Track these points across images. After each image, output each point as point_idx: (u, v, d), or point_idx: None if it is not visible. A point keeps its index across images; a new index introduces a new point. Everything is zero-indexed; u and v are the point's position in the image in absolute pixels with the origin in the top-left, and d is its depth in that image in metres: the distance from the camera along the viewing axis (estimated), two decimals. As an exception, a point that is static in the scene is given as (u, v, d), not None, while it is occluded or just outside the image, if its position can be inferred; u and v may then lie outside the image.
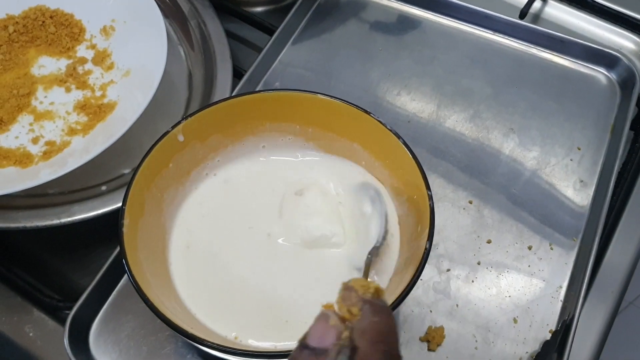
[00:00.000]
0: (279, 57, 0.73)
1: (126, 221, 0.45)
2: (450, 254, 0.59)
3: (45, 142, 0.61)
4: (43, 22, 0.69)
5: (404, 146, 0.49)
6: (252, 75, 0.68)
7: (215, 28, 0.72)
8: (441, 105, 0.70)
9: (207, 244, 0.51)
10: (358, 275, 0.49)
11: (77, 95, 0.66)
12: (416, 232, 0.47)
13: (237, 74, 0.69)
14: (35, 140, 0.61)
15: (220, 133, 0.53)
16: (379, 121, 0.50)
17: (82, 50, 0.69)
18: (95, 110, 0.63)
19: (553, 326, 0.55)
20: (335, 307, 0.31)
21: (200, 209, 0.53)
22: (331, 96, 0.51)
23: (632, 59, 0.73)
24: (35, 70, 0.67)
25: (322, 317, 0.30)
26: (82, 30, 0.70)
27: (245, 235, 0.52)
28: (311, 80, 0.71)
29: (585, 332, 0.55)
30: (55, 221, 0.57)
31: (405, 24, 0.77)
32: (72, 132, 0.62)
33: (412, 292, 0.42)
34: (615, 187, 0.63)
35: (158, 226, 0.50)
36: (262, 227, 0.52)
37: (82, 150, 0.59)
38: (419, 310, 0.56)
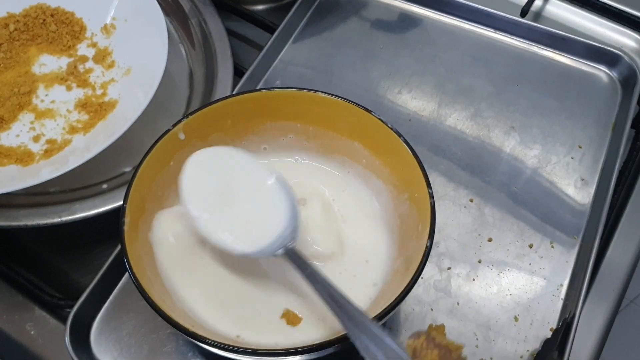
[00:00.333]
0: (279, 56, 0.73)
1: (127, 219, 0.45)
2: (451, 252, 0.59)
3: (46, 141, 0.61)
4: (44, 20, 0.69)
5: (404, 144, 0.49)
6: (253, 73, 0.68)
7: (216, 26, 0.72)
8: (442, 103, 0.70)
9: (198, 240, 0.51)
10: (355, 280, 0.50)
11: (78, 93, 0.66)
12: (417, 231, 0.47)
13: (238, 72, 0.69)
14: (36, 139, 0.61)
15: (221, 131, 0.53)
16: (379, 119, 0.50)
17: (83, 49, 0.69)
18: (96, 109, 0.63)
19: (554, 324, 0.55)
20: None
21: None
22: (332, 94, 0.51)
23: (634, 57, 0.73)
24: (36, 69, 0.67)
25: None
26: (82, 28, 0.70)
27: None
28: (312, 79, 0.71)
29: (586, 330, 0.55)
30: (57, 219, 0.57)
31: (406, 22, 0.77)
32: (73, 130, 0.62)
33: (413, 290, 0.42)
34: (617, 185, 0.63)
35: (158, 222, 0.50)
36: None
37: (83, 149, 0.59)
38: (420, 308, 0.56)
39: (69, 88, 0.66)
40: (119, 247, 0.54)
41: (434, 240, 0.44)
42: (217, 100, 0.52)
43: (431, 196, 0.46)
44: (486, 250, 0.59)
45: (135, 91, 0.63)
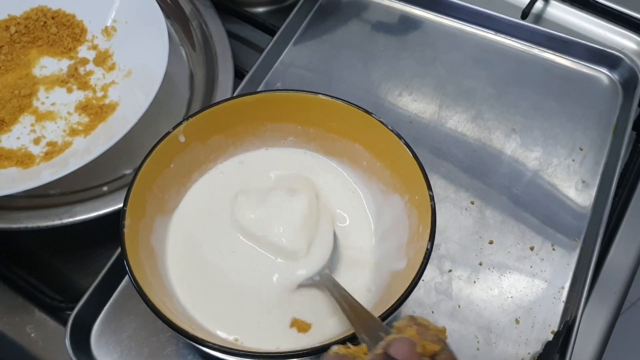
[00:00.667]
0: (280, 58, 0.73)
1: (127, 222, 0.45)
2: (452, 254, 0.59)
3: (46, 143, 0.61)
4: (44, 22, 0.69)
5: (405, 147, 0.49)
6: (253, 75, 0.68)
7: (216, 28, 0.72)
8: (443, 105, 0.70)
9: (207, 245, 0.51)
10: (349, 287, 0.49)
11: (78, 95, 0.66)
12: (418, 233, 0.47)
13: (239, 75, 0.69)
14: (36, 141, 0.61)
15: (222, 134, 0.53)
16: (380, 122, 0.50)
17: (83, 51, 0.69)
18: (96, 111, 0.63)
19: (555, 327, 0.55)
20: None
21: (200, 211, 0.53)
22: (333, 97, 0.51)
23: (635, 59, 0.73)
24: (37, 71, 0.67)
25: (408, 342, 0.35)
26: (83, 30, 0.70)
27: (237, 234, 0.51)
28: (312, 81, 0.71)
29: (587, 333, 0.55)
30: (57, 222, 0.57)
31: (407, 24, 0.77)
32: (73, 132, 0.62)
33: (414, 293, 0.42)
34: (618, 187, 0.63)
35: (159, 225, 0.50)
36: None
37: (83, 151, 0.59)
38: (421, 311, 0.55)
39: (69, 90, 0.66)
40: (119, 250, 0.54)
41: (435, 243, 0.44)
42: (218, 103, 0.51)
43: (432, 198, 0.46)
44: (487, 253, 0.59)
45: (135, 93, 0.63)
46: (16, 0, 0.70)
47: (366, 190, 0.54)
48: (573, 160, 0.66)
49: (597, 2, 0.79)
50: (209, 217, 0.52)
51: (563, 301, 0.56)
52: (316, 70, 0.72)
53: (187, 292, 0.48)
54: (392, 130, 0.49)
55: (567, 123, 0.68)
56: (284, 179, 0.54)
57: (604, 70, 0.73)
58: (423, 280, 0.53)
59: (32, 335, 0.55)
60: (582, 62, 0.74)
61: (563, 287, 0.57)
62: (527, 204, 0.62)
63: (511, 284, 0.57)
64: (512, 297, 0.57)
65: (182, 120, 0.50)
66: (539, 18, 0.80)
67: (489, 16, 0.75)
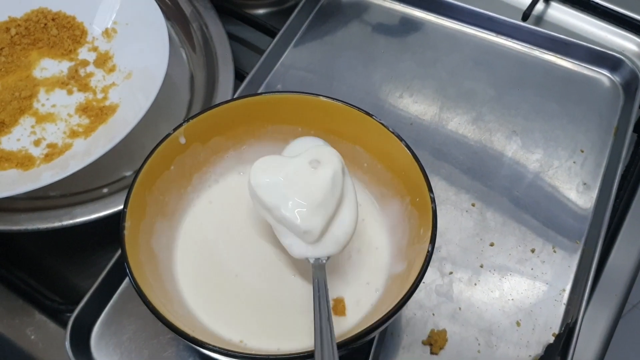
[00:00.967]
0: (281, 60, 0.73)
1: (127, 224, 0.45)
2: (452, 256, 0.59)
3: (47, 145, 0.61)
4: (45, 24, 0.69)
5: (406, 148, 0.49)
6: (254, 77, 0.68)
7: (217, 30, 0.72)
8: (444, 107, 0.69)
9: (212, 247, 0.51)
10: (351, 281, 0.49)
11: (79, 97, 0.66)
12: (418, 235, 0.46)
13: (239, 76, 0.69)
14: (37, 143, 0.61)
15: (222, 135, 0.53)
16: (381, 123, 0.50)
17: (84, 53, 0.69)
18: (97, 113, 0.63)
19: (556, 329, 0.55)
20: None
21: (205, 213, 0.53)
22: (333, 98, 0.51)
23: (636, 61, 0.73)
24: (37, 73, 0.67)
25: None
26: (84, 32, 0.70)
27: (250, 239, 0.52)
28: (313, 83, 0.71)
29: (588, 335, 0.55)
30: (57, 224, 0.57)
31: (408, 26, 0.77)
32: (73, 134, 0.62)
33: (415, 295, 0.42)
34: (619, 189, 0.63)
35: (160, 229, 0.50)
36: (267, 231, 0.52)
37: (83, 153, 0.58)
38: (422, 313, 0.55)
39: (70, 92, 0.66)
40: (119, 252, 0.54)
41: (436, 245, 0.44)
42: (218, 105, 0.51)
43: (433, 200, 0.45)
44: (488, 255, 0.59)
45: (136, 95, 0.63)
46: (16, 2, 0.70)
47: (366, 192, 0.54)
48: (574, 162, 0.66)
49: (597, 3, 0.78)
50: (223, 221, 0.52)
51: (564, 303, 0.56)
52: (317, 72, 0.72)
53: (195, 295, 0.48)
54: (392, 132, 0.49)
55: (568, 125, 0.68)
56: (310, 149, 0.48)
57: (605, 72, 0.73)
58: (424, 282, 0.53)
59: (32, 337, 0.54)
60: (583, 64, 0.73)
61: (564, 290, 0.57)
62: (528, 206, 0.62)
63: (512, 286, 0.57)
64: (513, 299, 0.56)
65: (183, 122, 0.50)
66: (539, 20, 0.80)
67: (489, 18, 0.75)
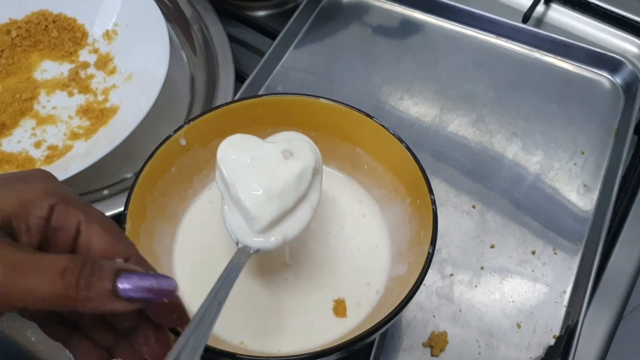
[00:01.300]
0: (281, 61, 0.73)
1: (128, 225, 0.45)
2: (453, 258, 0.59)
3: (47, 147, 0.61)
4: (46, 26, 0.69)
5: (406, 150, 0.49)
6: (254, 79, 0.68)
7: (217, 32, 0.72)
8: (444, 109, 0.70)
9: (212, 248, 0.51)
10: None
11: (79, 99, 0.66)
12: (419, 237, 0.46)
13: (240, 78, 0.69)
14: (37, 145, 0.61)
15: (223, 137, 0.53)
16: (381, 125, 0.50)
17: (84, 55, 0.69)
18: (97, 115, 0.63)
19: (557, 331, 0.55)
20: None
21: (205, 213, 0.53)
22: (334, 100, 0.51)
23: (636, 63, 0.73)
24: (38, 75, 0.68)
25: None
26: (84, 34, 0.70)
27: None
28: (313, 84, 0.71)
29: (589, 337, 0.55)
30: (57, 225, 0.57)
31: (408, 27, 0.77)
32: (74, 136, 0.62)
33: (415, 297, 0.42)
34: (619, 191, 0.63)
35: (160, 231, 0.50)
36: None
37: (84, 155, 0.59)
38: (422, 315, 0.55)
39: (70, 94, 0.66)
40: (119, 253, 0.54)
41: (436, 247, 0.44)
42: (219, 106, 0.51)
43: (433, 202, 0.45)
44: (488, 257, 0.59)
45: (136, 97, 0.63)
46: (17, 4, 0.70)
47: (367, 194, 0.54)
48: (574, 164, 0.66)
49: (598, 5, 0.79)
50: (216, 224, 0.52)
51: (565, 305, 0.56)
52: (317, 73, 0.72)
53: (195, 296, 0.47)
54: (393, 134, 0.49)
55: (569, 127, 0.68)
56: (289, 139, 0.46)
57: (605, 74, 0.73)
58: (424, 284, 0.52)
59: (33, 339, 0.54)
60: (583, 66, 0.73)
61: (565, 292, 0.57)
62: (529, 207, 0.62)
63: (513, 288, 0.57)
64: (513, 301, 0.56)
65: (183, 124, 0.50)
66: (540, 22, 0.80)
67: (490, 20, 0.75)
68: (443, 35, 0.76)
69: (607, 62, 0.72)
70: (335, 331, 0.46)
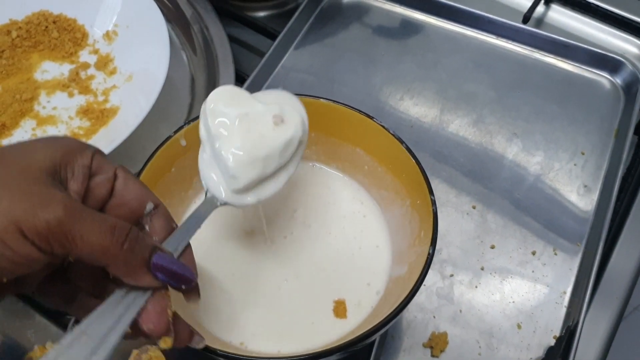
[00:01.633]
0: (281, 62, 0.73)
1: (128, 226, 0.45)
2: (453, 259, 0.58)
3: (47, 147, 0.61)
4: (46, 27, 0.69)
5: (407, 151, 0.49)
6: (254, 79, 0.68)
7: (217, 32, 0.72)
8: (444, 109, 0.69)
9: (211, 249, 0.51)
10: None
11: (79, 100, 0.66)
12: (419, 238, 0.46)
13: (240, 79, 0.69)
14: (37, 145, 0.61)
15: (223, 138, 0.53)
16: (381, 126, 0.50)
17: (85, 55, 0.69)
18: (97, 115, 0.63)
19: (557, 332, 0.55)
20: None
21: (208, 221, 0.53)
22: (334, 101, 0.51)
23: (636, 63, 0.73)
24: (38, 75, 0.68)
25: None
26: (85, 35, 0.70)
27: (250, 240, 0.51)
28: (314, 85, 0.71)
29: (589, 338, 0.55)
30: (58, 226, 0.57)
31: (408, 28, 0.77)
32: (74, 136, 0.62)
33: (416, 297, 0.42)
34: (620, 191, 0.63)
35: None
36: (264, 232, 0.52)
37: (84, 155, 0.58)
38: (422, 315, 0.55)
39: (70, 95, 0.66)
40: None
41: (437, 247, 0.44)
42: (219, 107, 0.51)
43: (433, 203, 0.45)
44: (489, 257, 0.59)
45: (137, 97, 0.63)
46: (18, 4, 0.70)
47: (367, 194, 0.54)
48: (575, 164, 0.66)
49: (598, 6, 0.78)
50: (223, 222, 0.52)
51: (565, 306, 0.56)
52: (317, 74, 0.72)
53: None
54: (393, 135, 0.49)
55: (569, 127, 0.68)
56: (282, 104, 0.44)
57: (606, 74, 0.73)
58: (424, 285, 0.52)
59: (33, 339, 0.54)
60: (583, 66, 0.73)
61: (565, 292, 0.57)
62: (529, 208, 0.62)
63: (513, 289, 0.57)
64: (513, 301, 0.56)
65: (184, 124, 0.50)
66: (540, 22, 0.80)
67: (490, 20, 0.75)
68: (443, 36, 0.76)
69: (607, 62, 0.72)
70: (335, 332, 0.46)
